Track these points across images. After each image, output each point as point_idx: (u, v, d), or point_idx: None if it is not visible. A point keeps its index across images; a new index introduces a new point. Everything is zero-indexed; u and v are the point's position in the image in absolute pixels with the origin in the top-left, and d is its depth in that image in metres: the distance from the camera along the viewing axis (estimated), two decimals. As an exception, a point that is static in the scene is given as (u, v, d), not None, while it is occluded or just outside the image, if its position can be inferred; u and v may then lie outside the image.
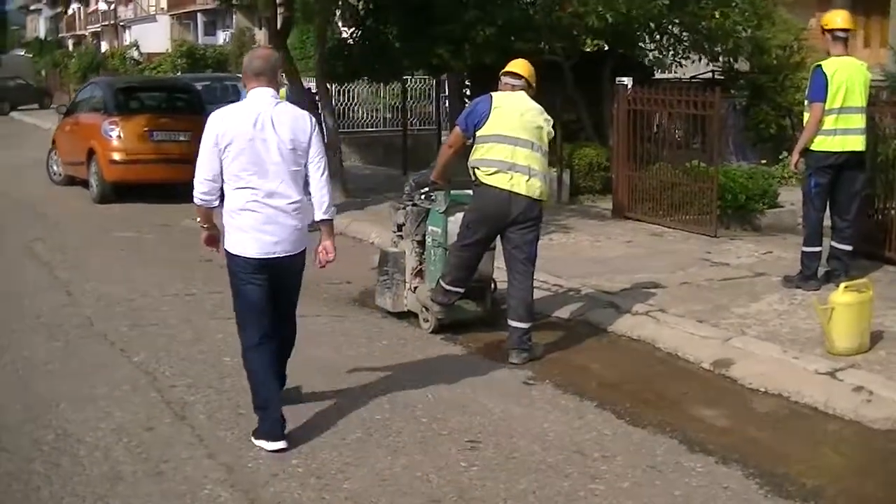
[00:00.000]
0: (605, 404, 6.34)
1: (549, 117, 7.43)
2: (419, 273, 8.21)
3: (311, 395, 6.34)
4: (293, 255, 5.68)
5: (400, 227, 8.45)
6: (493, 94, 7.43)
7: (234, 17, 48.03)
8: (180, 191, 15.48)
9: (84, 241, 12.10)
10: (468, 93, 17.21)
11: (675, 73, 16.11)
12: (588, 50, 15.60)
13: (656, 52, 15.41)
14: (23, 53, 67.30)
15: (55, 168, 17.97)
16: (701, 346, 7.37)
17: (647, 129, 12.75)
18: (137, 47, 52.40)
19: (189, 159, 14.66)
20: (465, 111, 7.62)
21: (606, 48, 15.46)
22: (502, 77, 7.49)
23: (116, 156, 15.26)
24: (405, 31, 14.45)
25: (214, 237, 5.84)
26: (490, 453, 5.51)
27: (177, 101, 17.38)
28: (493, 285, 8.21)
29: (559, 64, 14.53)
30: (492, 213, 7.26)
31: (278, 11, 15.03)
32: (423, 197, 8.10)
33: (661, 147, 12.91)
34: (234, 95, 19.00)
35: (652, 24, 14.40)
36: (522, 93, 7.37)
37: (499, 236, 7.45)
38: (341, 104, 22.75)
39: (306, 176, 5.68)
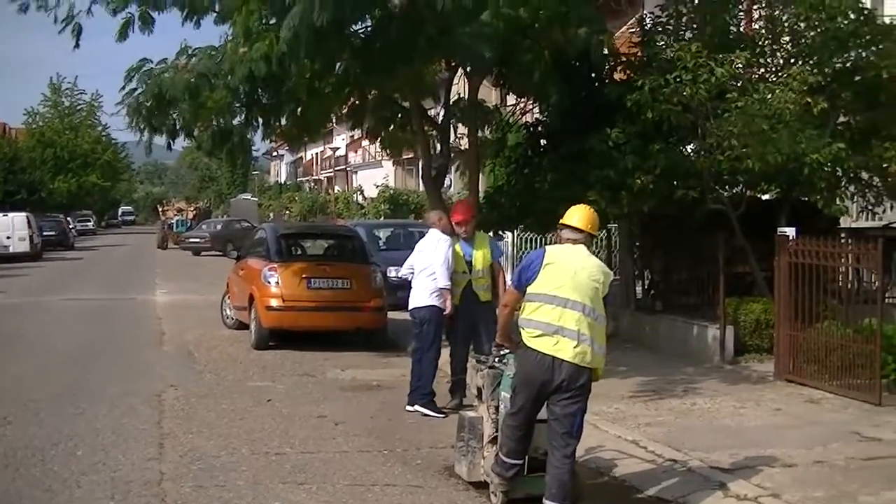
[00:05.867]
0: None
1: (608, 272, 6.72)
2: (495, 440, 7.47)
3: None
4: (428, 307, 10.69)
5: (480, 391, 7.77)
6: (549, 247, 6.81)
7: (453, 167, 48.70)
8: (341, 338, 15.43)
9: (215, 391, 11.89)
10: (638, 243, 16.41)
11: (882, 219, 14.70)
12: (764, 197, 14.58)
13: (838, 199, 14.08)
14: (249, 197, 70.27)
15: (227, 312, 17.96)
16: (800, 546, 6.30)
17: (813, 284, 11.58)
18: (362, 192, 54.13)
19: (346, 306, 16.29)
20: (519, 266, 6.98)
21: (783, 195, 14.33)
22: (560, 230, 6.84)
23: (274, 302, 15.21)
24: (559, 177, 13.83)
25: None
26: None
27: (339, 249, 17.39)
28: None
29: (726, 212, 13.57)
30: (533, 378, 6.57)
31: (432, 161, 14.90)
32: (497, 360, 7.45)
33: (833, 302, 11.76)
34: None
35: (828, 168, 13.08)
36: (582, 247, 6.70)
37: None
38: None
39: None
